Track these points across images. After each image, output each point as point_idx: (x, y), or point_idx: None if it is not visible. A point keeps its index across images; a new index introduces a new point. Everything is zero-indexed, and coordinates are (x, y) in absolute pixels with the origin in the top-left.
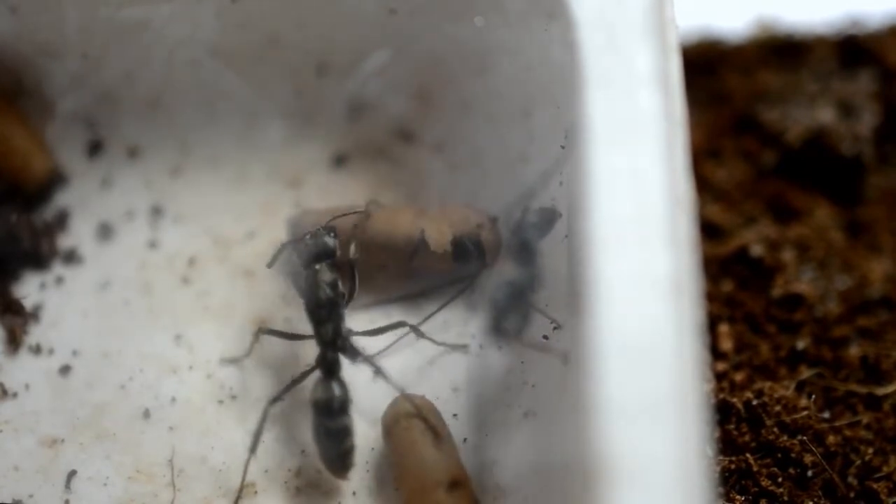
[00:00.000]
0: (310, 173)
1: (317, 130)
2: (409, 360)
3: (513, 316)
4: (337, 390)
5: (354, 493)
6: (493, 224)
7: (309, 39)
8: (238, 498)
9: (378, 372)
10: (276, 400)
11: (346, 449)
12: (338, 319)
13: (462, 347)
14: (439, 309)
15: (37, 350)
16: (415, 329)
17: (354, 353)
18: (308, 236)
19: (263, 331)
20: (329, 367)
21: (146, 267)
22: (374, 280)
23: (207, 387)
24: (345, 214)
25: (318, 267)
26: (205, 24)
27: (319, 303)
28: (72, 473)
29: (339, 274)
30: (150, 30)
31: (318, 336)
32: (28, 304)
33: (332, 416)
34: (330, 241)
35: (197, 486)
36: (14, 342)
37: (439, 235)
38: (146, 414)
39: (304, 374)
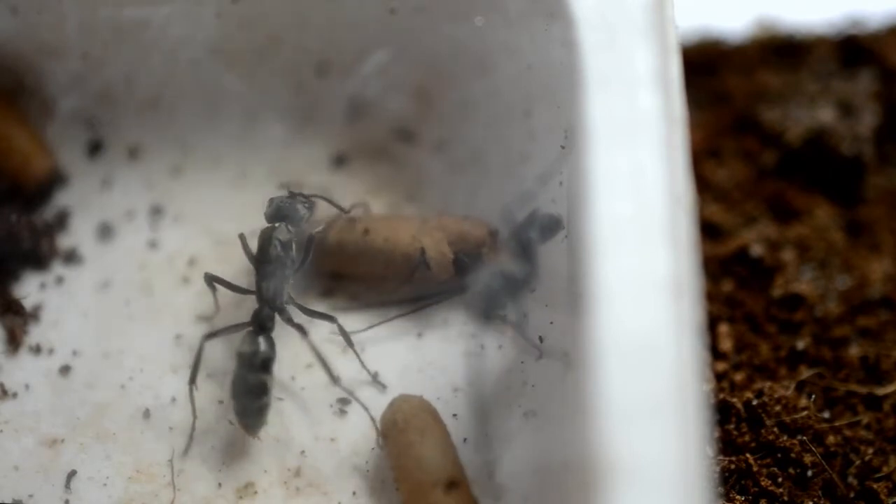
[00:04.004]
0: (310, 173)
1: (317, 130)
2: (409, 361)
3: (504, 305)
4: (263, 346)
5: (355, 493)
6: (493, 238)
7: (309, 39)
8: (189, 441)
9: (309, 341)
10: (210, 336)
11: (261, 406)
12: (281, 280)
13: (379, 385)
14: (432, 303)
15: (37, 350)
16: (342, 331)
17: (290, 319)
18: (282, 197)
19: (210, 277)
20: (262, 323)
21: (146, 267)
22: (375, 285)
23: (207, 386)
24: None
25: (277, 225)
26: (205, 24)
27: (267, 258)
28: (72, 473)
29: (294, 239)
30: (150, 30)
31: (259, 290)
32: (28, 304)
33: (253, 370)
34: (301, 208)
35: (197, 486)
36: (14, 342)
37: (441, 257)
38: (146, 414)
39: (244, 325)
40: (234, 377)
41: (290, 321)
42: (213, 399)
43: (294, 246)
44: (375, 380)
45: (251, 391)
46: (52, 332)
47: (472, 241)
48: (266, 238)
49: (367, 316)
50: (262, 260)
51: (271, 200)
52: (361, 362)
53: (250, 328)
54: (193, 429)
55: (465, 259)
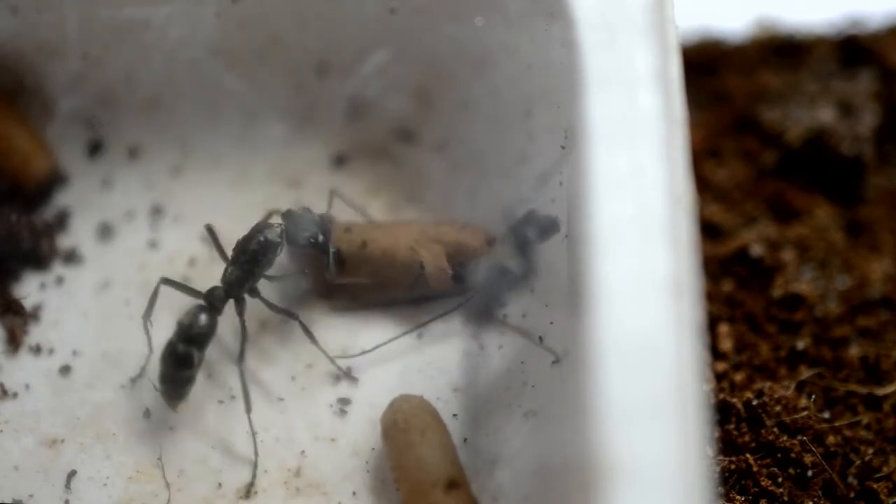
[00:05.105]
0: (310, 173)
1: (317, 130)
2: (409, 361)
3: (504, 304)
4: (203, 321)
5: (355, 493)
6: (491, 247)
7: (309, 39)
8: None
9: (244, 336)
10: (168, 282)
11: (182, 378)
12: (246, 274)
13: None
14: (434, 319)
15: (37, 350)
16: (305, 328)
17: (242, 310)
18: (305, 210)
19: (208, 228)
20: (212, 302)
21: (146, 267)
22: (374, 291)
23: (207, 387)
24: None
25: (276, 227)
26: (205, 24)
27: (246, 248)
28: (72, 473)
29: (282, 248)
30: (150, 30)
31: (224, 272)
32: (28, 304)
33: (185, 341)
34: (309, 231)
35: (197, 486)
36: (14, 342)
37: (440, 272)
38: (146, 414)
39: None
40: (167, 344)
41: (240, 314)
42: (214, 399)
43: (278, 251)
44: (348, 375)
45: (177, 361)
46: (52, 332)
47: (471, 251)
48: (256, 230)
49: (367, 316)
50: (240, 247)
51: (305, 209)
52: (329, 358)
53: (200, 303)
54: (147, 361)
55: (464, 272)
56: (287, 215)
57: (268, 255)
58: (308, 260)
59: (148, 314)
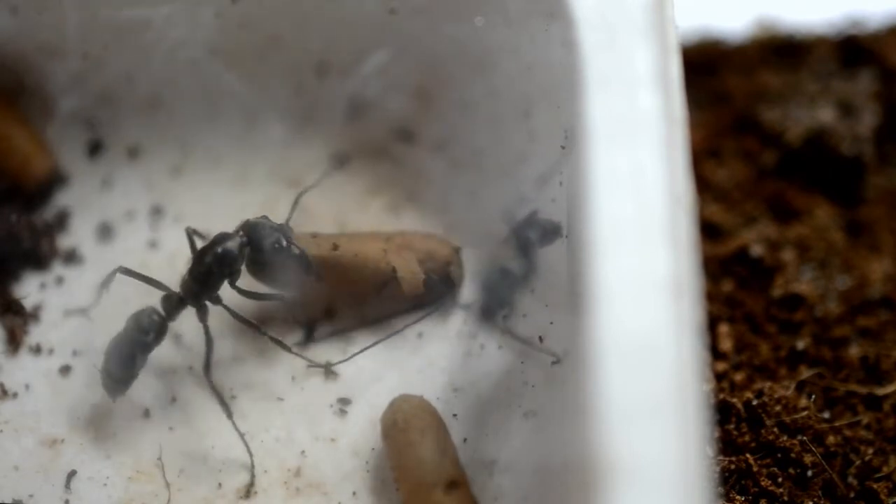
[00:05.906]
0: (310, 173)
1: (317, 130)
2: (409, 361)
3: (504, 305)
4: (151, 329)
5: (355, 493)
6: (458, 255)
7: (309, 39)
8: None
9: (209, 344)
10: (126, 272)
11: (124, 375)
12: (206, 283)
13: (326, 365)
14: (404, 328)
15: (37, 350)
16: (274, 339)
17: (203, 317)
18: (263, 218)
19: (190, 231)
20: (169, 310)
21: (146, 267)
22: (345, 303)
23: (208, 387)
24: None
25: (236, 237)
26: (205, 24)
27: (202, 260)
28: (72, 473)
29: (240, 259)
30: (150, 30)
31: (182, 281)
32: (28, 304)
33: (131, 342)
34: (272, 233)
35: (197, 486)
36: (14, 342)
37: (412, 277)
38: (146, 414)
39: (161, 285)
40: (116, 337)
41: (202, 320)
42: (213, 398)
43: (235, 264)
44: (329, 370)
45: (120, 359)
46: (52, 332)
47: (440, 259)
48: (215, 241)
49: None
50: (198, 256)
51: (263, 217)
52: (306, 359)
53: (156, 307)
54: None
55: (435, 277)
56: (245, 225)
57: (225, 266)
58: (284, 272)
59: (106, 283)
